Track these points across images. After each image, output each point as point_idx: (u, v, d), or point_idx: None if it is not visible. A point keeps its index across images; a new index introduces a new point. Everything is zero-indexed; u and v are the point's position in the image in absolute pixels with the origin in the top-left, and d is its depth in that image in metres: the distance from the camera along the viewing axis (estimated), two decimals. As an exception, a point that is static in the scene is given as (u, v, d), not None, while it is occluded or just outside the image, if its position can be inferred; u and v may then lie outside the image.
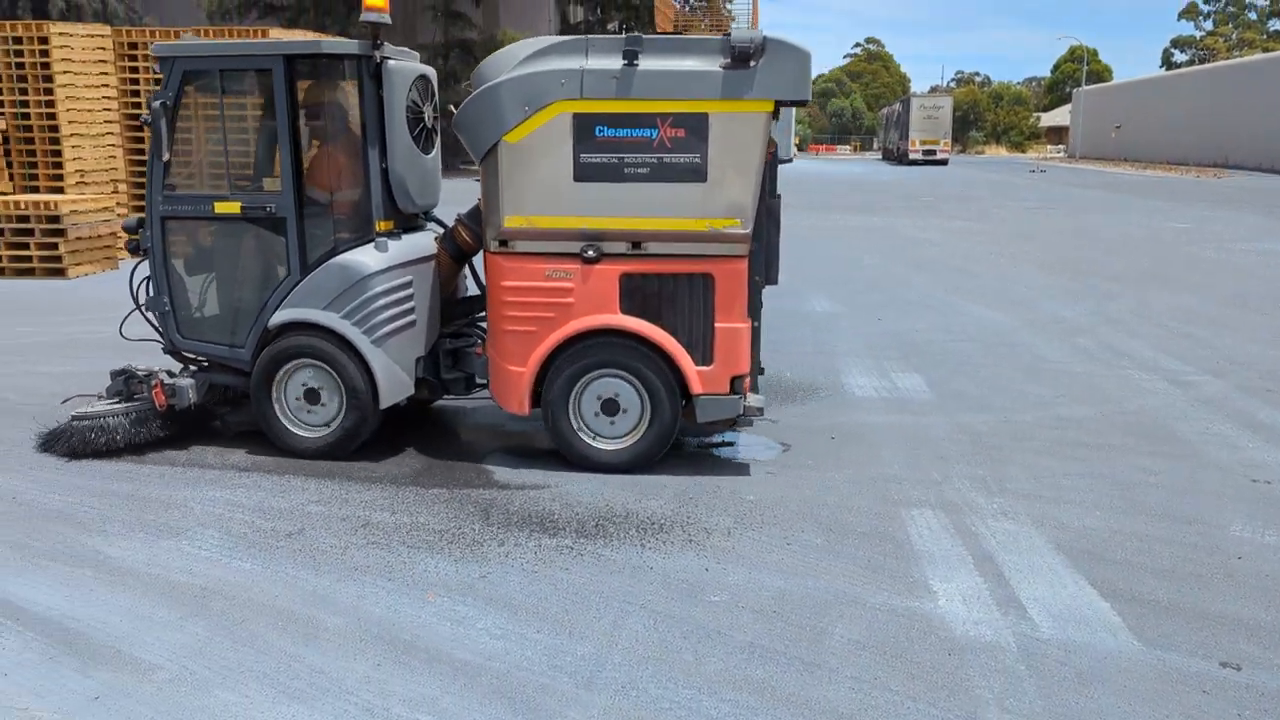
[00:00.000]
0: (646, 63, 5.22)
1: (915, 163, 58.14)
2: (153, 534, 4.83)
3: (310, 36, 11.86)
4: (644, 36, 5.28)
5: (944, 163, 58.11)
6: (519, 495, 5.37)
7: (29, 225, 12.75)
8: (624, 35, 5.29)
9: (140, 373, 6.22)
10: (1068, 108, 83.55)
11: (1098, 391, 7.51)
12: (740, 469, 5.80)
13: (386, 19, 5.68)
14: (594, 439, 5.70)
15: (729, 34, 5.19)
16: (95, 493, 5.38)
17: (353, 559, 4.57)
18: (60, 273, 12.81)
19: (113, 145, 14.95)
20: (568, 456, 5.75)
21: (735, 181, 5.25)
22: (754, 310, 5.63)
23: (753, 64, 5.10)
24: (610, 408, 5.64)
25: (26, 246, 12.80)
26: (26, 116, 14.02)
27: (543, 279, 5.51)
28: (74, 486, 5.47)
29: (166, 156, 5.87)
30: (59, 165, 14.17)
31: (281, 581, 4.35)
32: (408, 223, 6.24)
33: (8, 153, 14.16)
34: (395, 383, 5.93)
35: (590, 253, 5.42)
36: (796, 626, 3.98)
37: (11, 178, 14.19)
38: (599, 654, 3.77)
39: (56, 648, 3.80)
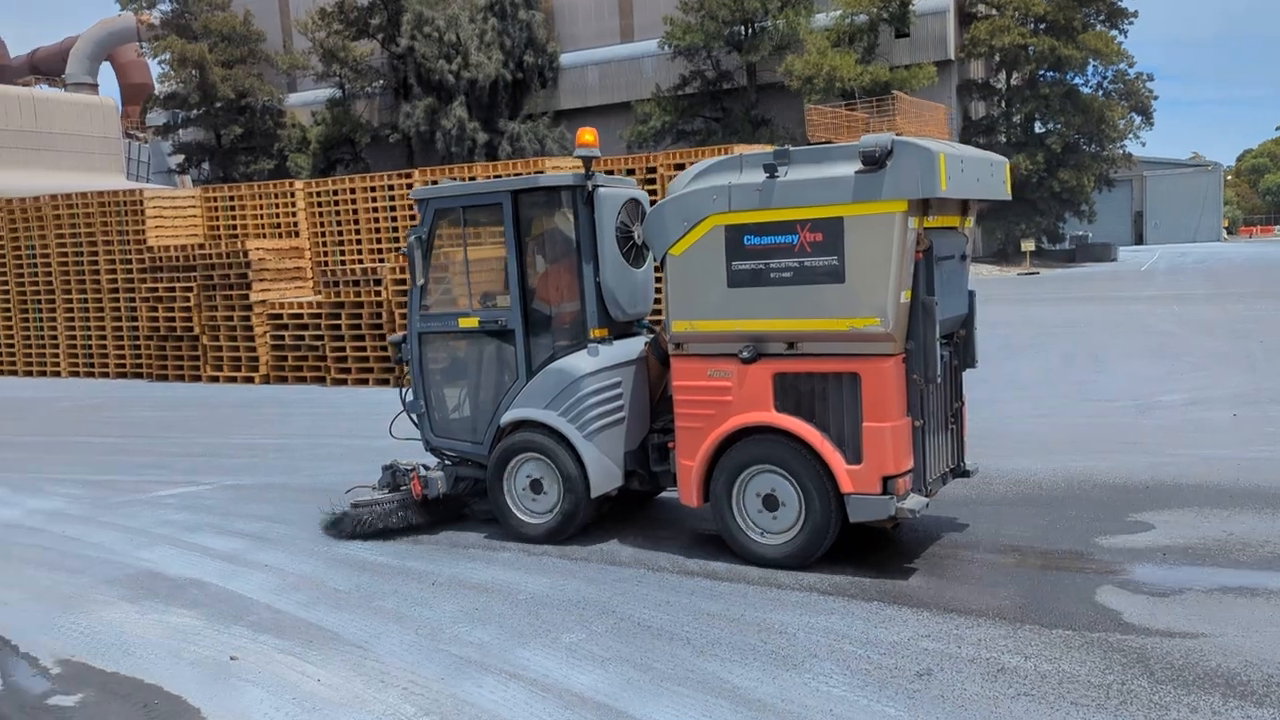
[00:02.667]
0: (788, 173, 5.49)
1: (1395, 239, 49.57)
2: (768, 662, 4.56)
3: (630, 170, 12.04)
4: (790, 149, 5.52)
5: None
6: (1171, 644, 4.50)
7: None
8: (774, 150, 5.56)
9: (404, 466, 7.12)
10: None
11: None
12: None
13: (596, 153, 6.48)
14: (756, 533, 5.86)
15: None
16: (687, 609, 5.27)
17: (1010, 712, 3.98)
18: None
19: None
20: (732, 549, 5.93)
21: (873, 281, 5.31)
22: (917, 410, 5.52)
23: (883, 167, 5.19)
24: (770, 503, 5.77)
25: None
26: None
27: (706, 378, 5.87)
28: (664, 602, 5.41)
29: (422, 281, 6.83)
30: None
31: (941, 734, 3.86)
32: (622, 329, 6.82)
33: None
34: (605, 474, 6.44)
35: (745, 353, 5.68)
36: None
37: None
38: None
39: (741, 794, 3.55)
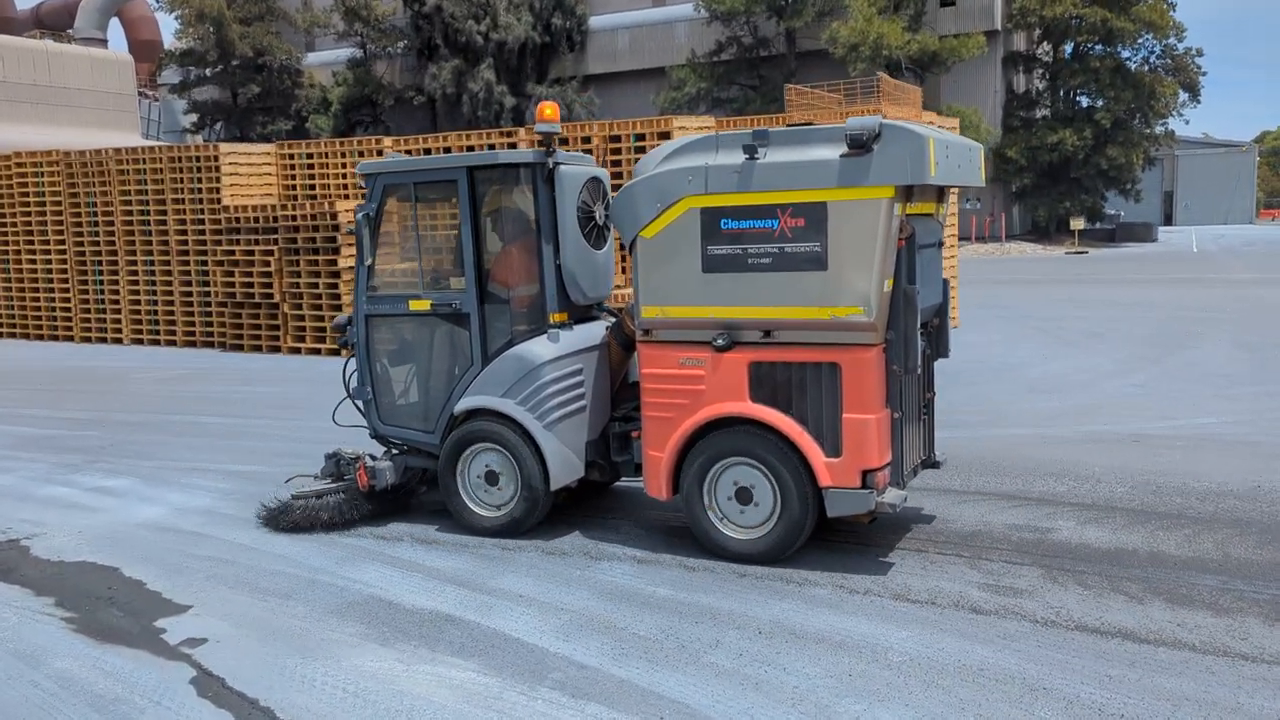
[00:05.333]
0: (768, 155, 5.30)
1: None
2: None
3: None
4: (769, 130, 5.33)
5: None
6: None
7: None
8: (753, 130, 5.37)
9: (348, 455, 6.76)
10: None
11: None
12: None
13: (557, 129, 6.23)
14: (728, 528, 5.72)
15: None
16: (1148, 690, 4.11)
17: None
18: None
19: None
20: (704, 544, 5.81)
21: (856, 269, 5.17)
22: (896, 401, 5.42)
23: (869, 151, 5.03)
24: (744, 496, 5.63)
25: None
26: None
27: (677, 366, 5.67)
28: (1104, 676, 4.26)
29: (370, 261, 6.47)
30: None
31: None
32: (582, 314, 6.56)
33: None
34: (565, 465, 6.21)
35: (720, 341, 5.50)
36: None
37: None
38: None
39: None
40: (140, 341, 16.98)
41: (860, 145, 5.05)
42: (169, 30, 49.21)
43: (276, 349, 15.51)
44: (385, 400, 6.73)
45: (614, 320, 6.63)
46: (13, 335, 18.35)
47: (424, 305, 6.44)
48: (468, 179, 6.21)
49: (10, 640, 5.12)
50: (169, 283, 16.49)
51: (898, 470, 5.56)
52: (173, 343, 16.65)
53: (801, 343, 5.36)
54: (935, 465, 6.33)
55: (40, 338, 17.97)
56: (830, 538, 6.11)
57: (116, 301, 17.05)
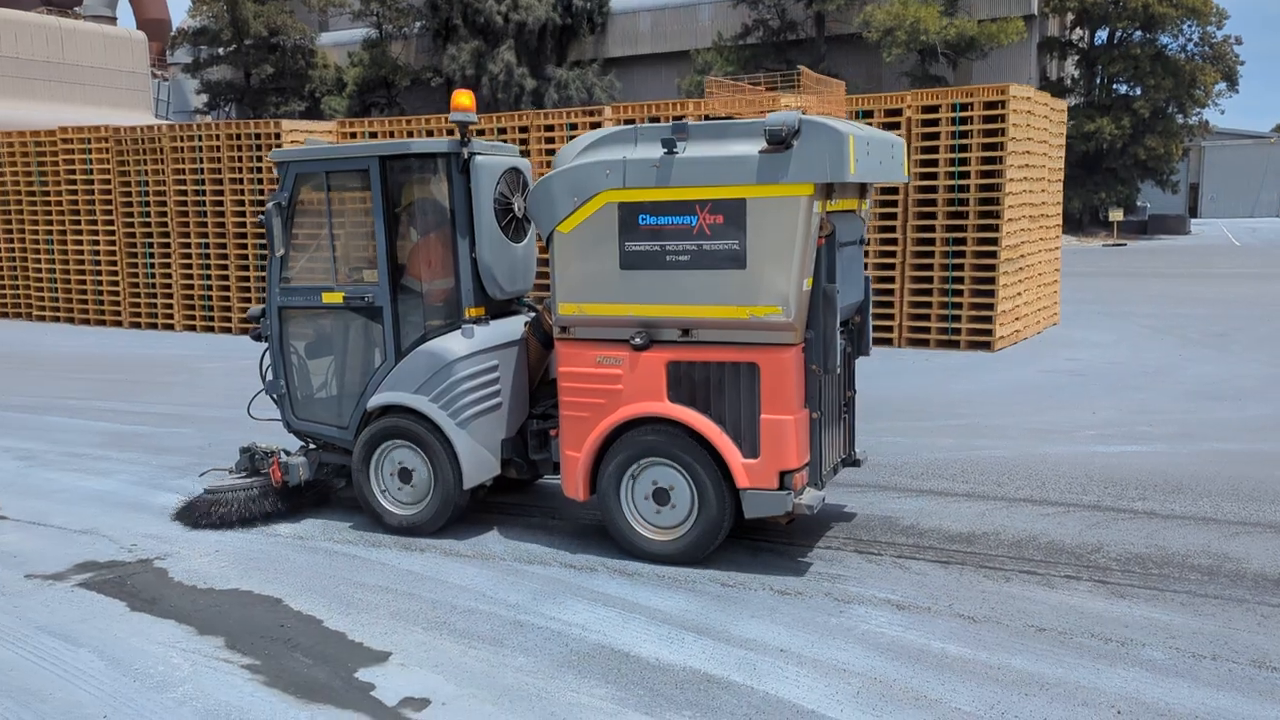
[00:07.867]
0: (687, 150, 5.22)
1: None
2: None
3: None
4: (689, 124, 5.27)
5: None
6: None
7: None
8: (672, 124, 5.30)
9: (263, 449, 6.66)
10: None
11: None
12: None
13: (473, 118, 6.04)
14: (645, 529, 5.66)
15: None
16: None
17: None
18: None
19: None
20: (621, 545, 5.74)
21: (776, 268, 5.11)
22: (815, 401, 5.39)
23: (789, 147, 4.96)
24: (661, 497, 5.58)
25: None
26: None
27: (594, 365, 5.59)
28: None
29: (281, 251, 6.29)
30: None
31: None
32: (501, 308, 6.42)
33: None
34: (479, 463, 6.10)
35: (637, 340, 5.44)
36: None
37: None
38: None
39: None
40: (193, 328, 16.09)
41: (779, 141, 4.95)
42: (177, 10, 48.10)
43: (343, 338, 14.61)
44: (300, 394, 6.61)
45: (534, 315, 6.48)
46: (56, 319, 17.43)
47: (336, 298, 6.28)
48: (380, 168, 6.04)
49: (194, 697, 4.28)
50: (224, 267, 15.59)
51: (816, 471, 5.53)
52: (227, 330, 15.76)
53: (720, 342, 5.31)
54: (856, 463, 6.24)
55: (87, 322, 17.04)
56: (1101, 576, 5.28)
57: (169, 286, 16.13)
